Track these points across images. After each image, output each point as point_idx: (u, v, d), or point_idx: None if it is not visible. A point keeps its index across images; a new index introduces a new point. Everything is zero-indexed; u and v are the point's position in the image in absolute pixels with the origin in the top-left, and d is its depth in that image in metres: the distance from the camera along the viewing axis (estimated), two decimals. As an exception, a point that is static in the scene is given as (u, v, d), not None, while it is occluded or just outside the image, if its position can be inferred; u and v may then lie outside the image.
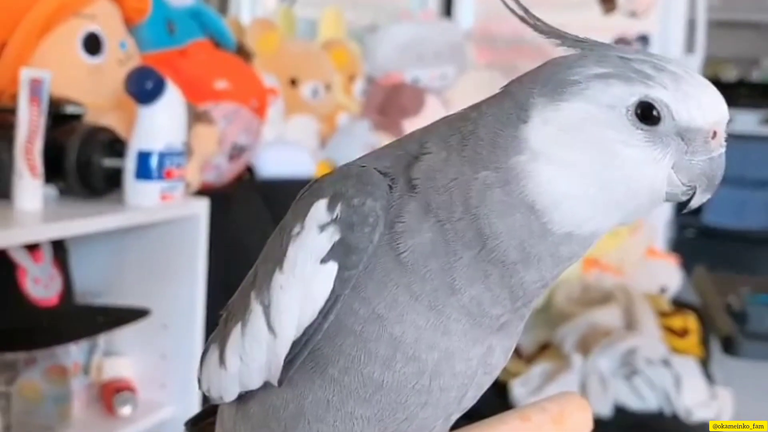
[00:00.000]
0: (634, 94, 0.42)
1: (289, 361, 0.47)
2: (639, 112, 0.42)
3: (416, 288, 0.45)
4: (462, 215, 0.44)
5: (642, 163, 0.42)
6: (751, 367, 1.79)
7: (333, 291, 0.45)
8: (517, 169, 0.43)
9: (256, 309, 0.48)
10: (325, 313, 0.45)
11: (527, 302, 0.46)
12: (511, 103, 0.44)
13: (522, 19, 0.47)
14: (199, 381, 0.54)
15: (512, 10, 0.47)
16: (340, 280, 0.44)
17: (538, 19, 0.47)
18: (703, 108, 0.42)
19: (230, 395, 0.51)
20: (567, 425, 0.50)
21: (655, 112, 0.42)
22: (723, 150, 0.43)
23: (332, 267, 0.45)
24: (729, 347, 1.80)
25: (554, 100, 0.43)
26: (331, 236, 0.45)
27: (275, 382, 0.48)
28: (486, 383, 0.49)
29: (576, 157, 0.42)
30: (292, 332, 0.46)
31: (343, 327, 0.45)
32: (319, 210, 0.45)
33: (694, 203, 0.44)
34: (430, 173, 0.45)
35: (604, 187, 0.42)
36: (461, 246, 0.44)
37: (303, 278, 0.46)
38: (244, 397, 0.51)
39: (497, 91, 0.47)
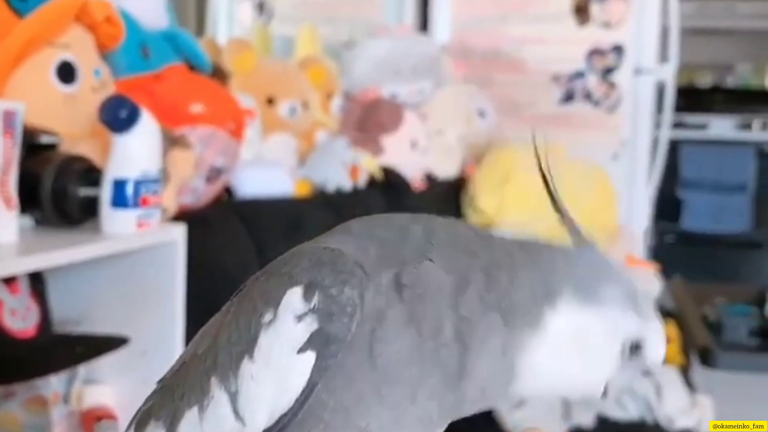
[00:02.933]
0: (637, 330, 0.49)
1: None
2: (632, 346, 0.49)
3: (383, 390, 0.46)
4: (452, 343, 0.46)
5: (604, 379, 0.50)
6: (727, 377, 1.81)
7: (310, 380, 0.45)
8: (524, 341, 0.47)
9: (220, 395, 0.47)
10: (301, 401, 0.45)
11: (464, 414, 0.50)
12: (542, 281, 0.48)
13: (560, 214, 0.52)
14: None
15: (557, 209, 0.52)
16: (318, 369, 0.45)
17: (567, 213, 0.52)
18: (661, 353, 0.50)
19: None
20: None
21: (640, 351, 0.49)
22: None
23: (310, 356, 0.45)
24: (705, 358, 1.82)
25: (582, 305, 0.48)
26: (309, 326, 0.45)
27: None
28: None
29: (571, 355, 0.48)
30: (263, 422, 0.46)
31: (311, 415, 0.46)
32: (295, 299, 0.46)
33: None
34: (429, 287, 0.46)
35: (568, 382, 0.49)
36: (434, 367, 0.46)
37: (278, 368, 0.46)
38: None
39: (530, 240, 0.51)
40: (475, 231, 0.50)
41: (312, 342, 0.45)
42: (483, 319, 0.46)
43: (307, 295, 0.45)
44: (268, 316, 0.46)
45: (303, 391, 0.45)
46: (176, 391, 0.50)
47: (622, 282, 0.49)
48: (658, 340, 0.49)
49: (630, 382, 0.51)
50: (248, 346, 0.46)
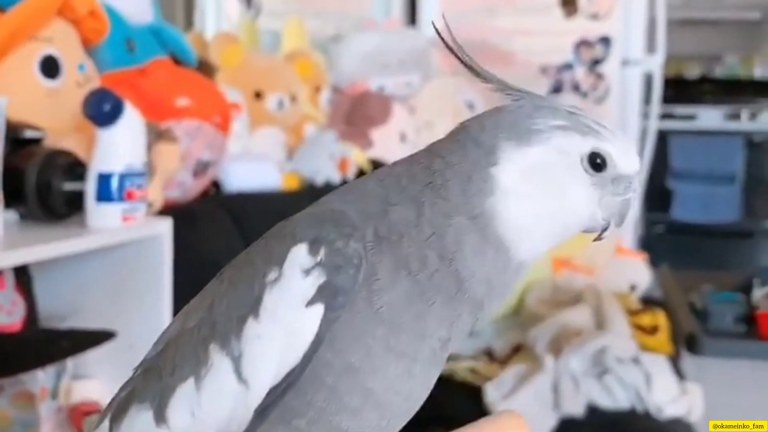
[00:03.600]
0: (587, 144, 0.49)
1: (261, 411, 0.46)
2: (590, 160, 0.49)
3: (391, 340, 0.46)
4: (438, 265, 0.47)
5: (584, 202, 0.49)
6: (715, 364, 1.82)
7: (318, 333, 0.45)
8: (490, 210, 0.47)
9: (220, 361, 0.47)
10: (308, 357, 0.46)
11: (472, 329, 0.50)
12: (477, 149, 0.48)
13: (470, 68, 0.52)
14: None
15: (460, 60, 0.52)
16: (326, 321, 0.45)
17: (483, 69, 0.52)
18: (632, 160, 0.50)
19: None
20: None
21: (599, 161, 0.49)
22: (636, 194, 0.51)
23: (318, 309, 0.45)
24: (692, 345, 1.83)
25: (521, 146, 0.48)
26: (316, 279, 0.46)
27: None
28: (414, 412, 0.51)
29: (537, 195, 0.48)
30: (268, 381, 0.46)
31: (315, 380, 0.46)
32: (300, 254, 0.46)
33: (605, 234, 0.51)
34: (400, 228, 0.47)
35: (553, 220, 0.49)
36: (435, 293, 0.47)
37: (286, 324, 0.46)
38: None
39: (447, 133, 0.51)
40: (405, 162, 0.51)
41: (320, 294, 0.45)
42: (449, 228, 0.47)
43: (312, 250, 0.46)
44: (272, 275, 0.46)
45: (311, 345, 0.45)
46: (164, 370, 0.49)
47: (556, 112, 0.49)
48: (620, 146, 0.49)
49: (623, 206, 0.50)
50: (252, 307, 0.46)
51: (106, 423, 0.51)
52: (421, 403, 0.50)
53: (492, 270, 0.48)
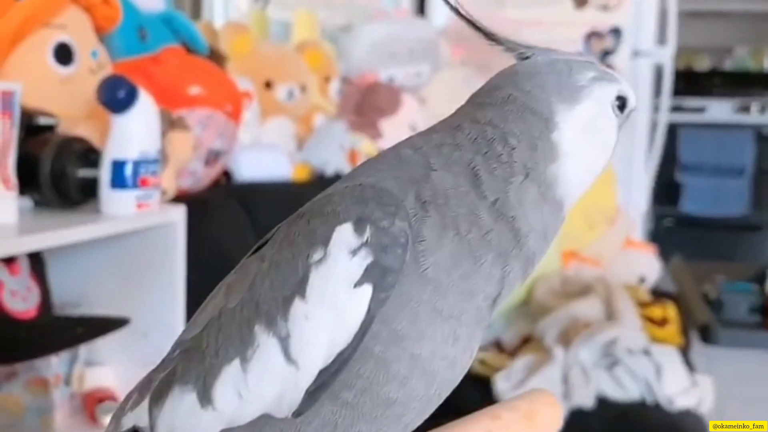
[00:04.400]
0: (614, 90, 0.51)
1: (312, 391, 0.46)
2: (619, 104, 0.51)
3: (438, 302, 0.46)
4: (494, 225, 0.47)
5: (615, 144, 0.52)
6: (728, 354, 1.82)
7: (368, 313, 0.45)
8: (554, 174, 0.49)
9: (267, 342, 0.46)
10: (360, 337, 0.45)
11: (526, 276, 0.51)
12: (534, 117, 0.49)
13: (478, 29, 0.53)
14: (149, 428, 0.50)
15: (461, 15, 0.53)
16: (375, 301, 0.45)
17: (487, 28, 0.53)
18: (633, 95, 0.53)
19: None
20: (536, 422, 0.50)
21: (621, 102, 0.51)
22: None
23: (367, 289, 0.45)
24: (706, 335, 1.83)
25: (573, 105, 0.49)
26: (364, 260, 0.45)
27: (286, 414, 0.46)
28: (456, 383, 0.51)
29: (592, 150, 0.50)
30: (319, 362, 0.45)
31: (363, 351, 0.45)
32: (346, 234, 0.45)
33: None
34: (447, 192, 0.47)
35: (600, 170, 0.51)
36: (486, 251, 0.47)
37: (334, 305, 0.45)
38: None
39: (476, 94, 0.52)
40: (443, 130, 0.51)
41: (368, 275, 0.45)
42: (509, 188, 0.47)
43: (358, 230, 0.45)
44: (317, 255, 0.45)
45: (361, 326, 0.45)
46: (207, 350, 0.48)
47: (585, 65, 0.51)
48: (628, 85, 0.52)
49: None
50: (298, 288, 0.46)
51: (145, 404, 0.50)
52: (465, 370, 0.50)
53: (548, 223, 0.49)
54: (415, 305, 0.46)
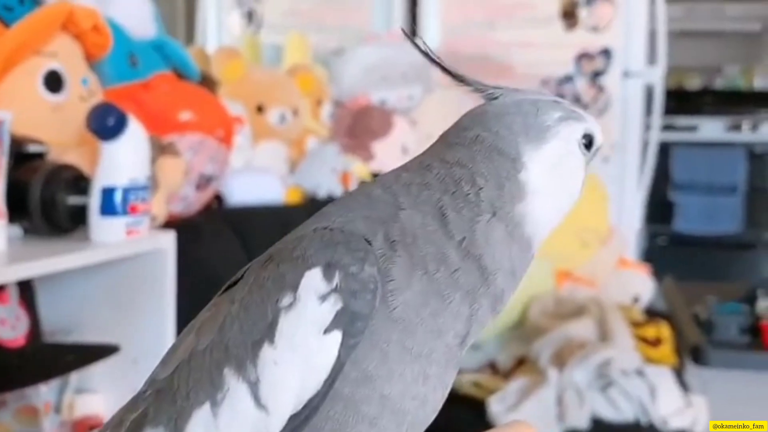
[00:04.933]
0: (581, 128, 0.52)
1: None
2: (585, 142, 0.52)
3: (407, 341, 0.46)
4: (461, 263, 0.47)
5: (582, 183, 0.52)
6: (720, 375, 1.81)
7: (338, 359, 0.45)
8: (521, 213, 0.49)
9: (237, 387, 0.46)
10: (330, 382, 0.45)
11: (494, 317, 0.51)
12: (501, 158, 0.50)
13: (442, 68, 0.53)
14: None
15: (432, 60, 0.53)
16: (345, 348, 0.45)
17: (456, 70, 0.53)
18: (600, 136, 0.53)
19: None
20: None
21: (588, 141, 0.52)
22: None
23: (336, 336, 0.45)
24: (697, 357, 1.83)
25: (540, 145, 0.50)
26: (333, 306, 0.45)
27: None
28: (430, 421, 0.51)
29: (558, 189, 0.51)
30: (289, 407, 0.45)
31: (331, 393, 0.45)
32: (315, 279, 0.45)
33: None
34: (415, 231, 0.47)
35: (567, 208, 0.52)
36: (454, 290, 0.47)
37: (304, 350, 0.45)
38: None
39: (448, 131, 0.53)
40: (411, 169, 0.51)
41: (337, 321, 0.45)
42: (476, 227, 0.48)
43: (327, 275, 0.45)
44: (286, 300, 0.45)
45: (331, 372, 0.45)
46: (178, 393, 0.48)
47: (552, 105, 0.51)
48: (595, 123, 0.53)
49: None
50: (267, 332, 0.45)
51: None
52: (437, 410, 0.50)
53: (516, 261, 0.49)
54: (384, 345, 0.46)
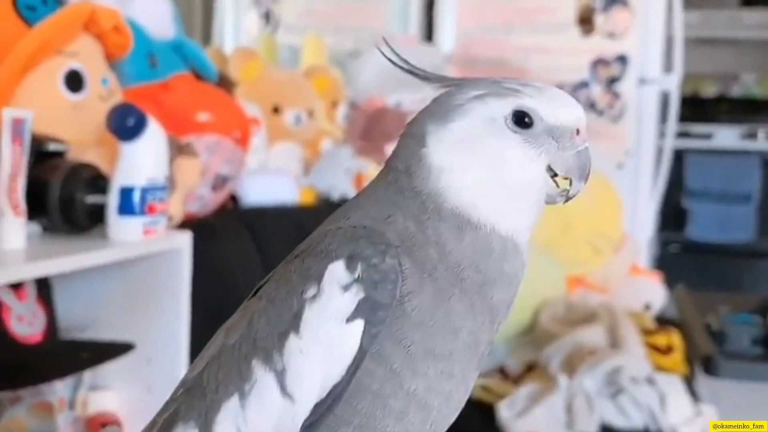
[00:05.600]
0: (508, 105, 0.50)
1: (309, 425, 0.47)
2: (514, 119, 0.50)
3: (428, 342, 0.47)
4: (439, 257, 0.48)
5: (524, 161, 0.50)
6: (731, 386, 1.81)
7: (361, 347, 0.46)
8: (435, 190, 0.49)
9: (264, 377, 0.48)
10: (353, 370, 0.47)
11: (500, 324, 0.51)
12: (410, 139, 0.51)
13: (411, 72, 0.54)
14: None
15: (400, 67, 0.54)
16: (367, 336, 0.47)
17: (424, 71, 0.54)
18: (564, 109, 0.50)
19: None
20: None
21: (527, 118, 0.50)
22: (587, 145, 0.50)
23: (359, 324, 0.47)
24: (708, 367, 1.82)
25: (444, 124, 0.50)
26: (355, 295, 0.47)
27: None
28: (454, 418, 0.52)
29: (473, 165, 0.49)
30: (314, 395, 0.47)
31: (360, 388, 0.47)
32: (338, 271, 0.47)
33: (572, 193, 0.51)
34: (404, 237, 0.48)
35: (503, 186, 0.49)
36: (450, 287, 0.48)
37: (328, 339, 0.47)
38: None
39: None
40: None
41: (360, 310, 0.46)
42: (427, 224, 0.48)
43: (350, 267, 0.47)
44: (311, 292, 0.47)
45: (354, 359, 0.46)
46: (207, 387, 0.50)
47: (476, 84, 0.51)
48: (544, 100, 0.50)
49: (577, 159, 0.51)
50: (292, 323, 0.47)
51: None
52: (461, 407, 0.51)
53: (474, 253, 0.48)
54: (408, 344, 0.47)
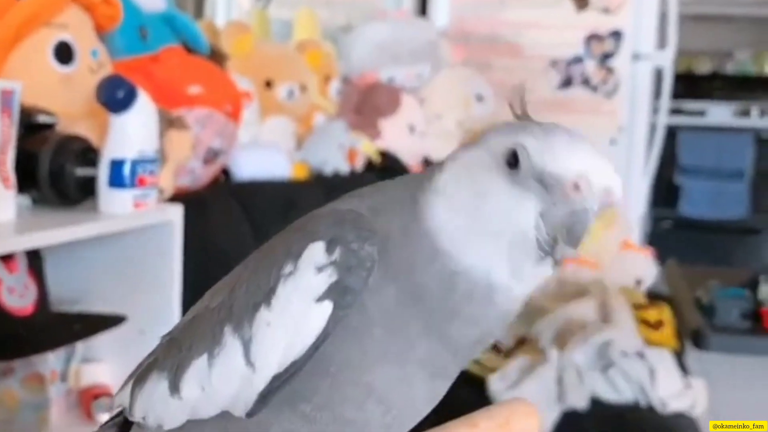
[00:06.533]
0: (509, 141, 0.46)
1: (264, 395, 0.49)
2: (508, 157, 0.46)
3: (384, 343, 0.48)
4: (408, 269, 0.48)
5: (504, 201, 0.46)
6: (720, 359, 1.82)
7: (325, 329, 0.47)
8: (428, 206, 0.48)
9: (232, 343, 0.49)
10: (313, 350, 0.47)
11: (465, 356, 0.50)
12: (455, 152, 0.50)
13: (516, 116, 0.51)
14: (128, 408, 0.55)
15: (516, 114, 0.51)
16: (333, 318, 0.47)
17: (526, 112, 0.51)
18: (560, 157, 0.45)
19: (174, 423, 0.52)
20: (513, 431, 0.52)
21: (516, 157, 0.46)
22: (588, 206, 0.44)
23: (327, 306, 0.47)
24: (697, 340, 1.84)
25: (466, 149, 0.49)
26: (329, 278, 0.47)
27: (241, 414, 0.49)
28: (422, 416, 0.53)
29: (458, 193, 0.47)
30: (273, 367, 0.48)
31: (320, 370, 0.48)
32: (317, 252, 0.48)
33: (556, 256, 0.45)
34: (385, 234, 0.49)
35: (477, 223, 0.46)
36: (408, 300, 0.48)
37: (295, 316, 0.48)
38: (192, 424, 0.52)
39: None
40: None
41: (330, 292, 0.47)
42: (406, 234, 0.48)
43: (329, 249, 0.48)
44: (288, 268, 0.48)
45: (317, 340, 0.47)
46: (184, 343, 0.52)
47: (513, 124, 0.48)
48: (546, 142, 0.45)
49: (568, 219, 0.43)
50: (266, 296, 0.49)
51: (129, 385, 0.55)
52: (427, 410, 0.52)
53: (438, 283, 0.47)
54: (367, 340, 0.48)
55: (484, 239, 0.46)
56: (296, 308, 0.48)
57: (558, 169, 0.45)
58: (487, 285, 0.46)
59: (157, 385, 0.52)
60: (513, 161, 0.46)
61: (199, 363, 0.50)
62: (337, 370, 0.48)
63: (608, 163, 0.46)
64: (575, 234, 0.44)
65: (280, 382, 0.48)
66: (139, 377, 0.54)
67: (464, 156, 0.49)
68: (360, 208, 0.50)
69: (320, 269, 0.47)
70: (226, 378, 0.49)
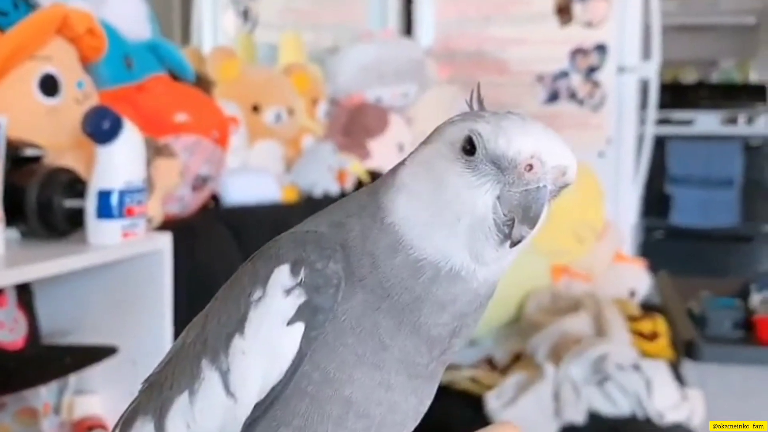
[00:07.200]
0: (464, 129, 0.47)
1: (249, 423, 0.49)
2: (464, 144, 0.47)
3: (359, 349, 0.48)
4: (371, 268, 0.48)
5: (461, 188, 0.47)
6: (713, 370, 1.83)
7: (300, 350, 0.47)
8: (388, 202, 0.49)
9: (211, 376, 0.49)
10: (291, 372, 0.47)
11: (444, 350, 0.49)
12: (409, 155, 0.51)
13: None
14: None
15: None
16: (306, 339, 0.47)
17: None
18: (512, 139, 0.46)
19: None
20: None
21: (472, 144, 0.47)
22: (542, 185, 0.46)
23: (299, 327, 0.47)
24: (690, 351, 1.84)
25: (423, 144, 0.50)
26: (297, 299, 0.47)
27: None
28: (411, 428, 0.52)
29: (419, 184, 0.48)
30: (254, 395, 0.48)
31: (297, 390, 0.48)
32: (282, 275, 0.48)
33: (514, 236, 0.46)
34: (351, 241, 0.49)
35: (437, 209, 0.47)
36: (377, 300, 0.48)
37: (268, 341, 0.48)
38: None
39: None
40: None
41: (300, 313, 0.47)
42: (371, 229, 0.48)
43: (294, 271, 0.48)
44: (257, 294, 0.48)
45: (293, 362, 0.47)
46: (164, 384, 0.52)
47: (468, 113, 0.49)
48: (499, 127, 0.46)
49: (523, 198, 0.44)
50: (238, 325, 0.49)
51: None
52: (414, 417, 0.51)
53: (403, 272, 0.47)
54: (341, 349, 0.48)
55: (445, 226, 0.47)
56: (269, 333, 0.48)
57: (511, 151, 0.46)
58: (449, 269, 0.47)
59: (143, 430, 0.52)
60: (469, 148, 0.47)
61: (182, 400, 0.50)
62: (315, 389, 0.48)
63: (562, 143, 0.47)
64: (531, 213, 0.45)
65: (262, 409, 0.48)
66: (124, 425, 0.54)
67: (423, 150, 0.49)
68: (320, 227, 0.50)
69: (288, 291, 0.48)
70: (209, 412, 0.49)
